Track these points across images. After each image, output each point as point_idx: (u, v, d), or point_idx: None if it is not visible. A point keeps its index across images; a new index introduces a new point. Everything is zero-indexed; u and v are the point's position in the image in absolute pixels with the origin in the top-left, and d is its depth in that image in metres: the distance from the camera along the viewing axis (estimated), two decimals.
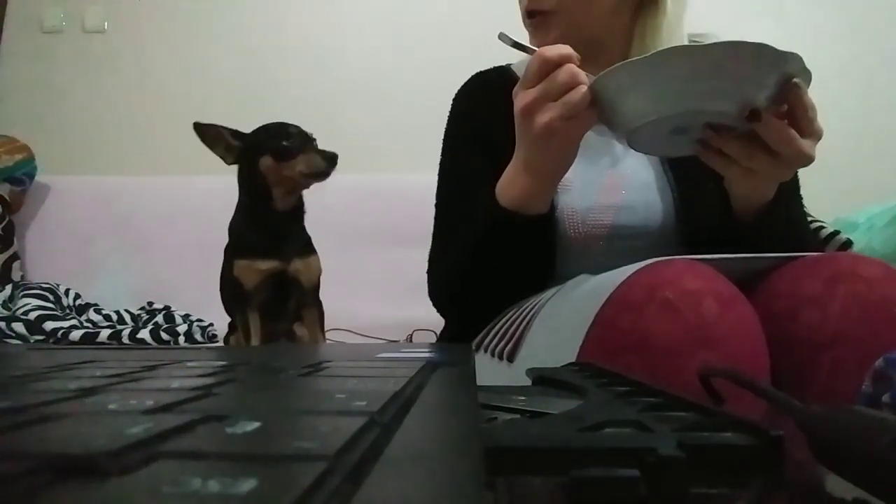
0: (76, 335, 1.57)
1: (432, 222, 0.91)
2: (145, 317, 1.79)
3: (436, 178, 0.91)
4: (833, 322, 0.55)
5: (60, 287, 1.82)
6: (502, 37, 0.67)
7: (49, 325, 1.59)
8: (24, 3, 2.38)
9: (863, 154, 2.23)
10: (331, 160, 1.08)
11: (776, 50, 0.55)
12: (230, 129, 1.12)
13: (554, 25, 0.78)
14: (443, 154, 0.92)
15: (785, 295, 0.59)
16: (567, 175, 0.68)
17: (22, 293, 1.73)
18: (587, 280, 0.65)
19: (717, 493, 0.17)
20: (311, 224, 1.18)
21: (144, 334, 1.62)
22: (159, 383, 0.22)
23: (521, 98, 0.63)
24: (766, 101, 0.57)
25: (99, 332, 1.60)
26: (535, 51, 0.63)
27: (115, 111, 2.34)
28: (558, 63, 0.61)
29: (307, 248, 1.16)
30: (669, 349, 0.51)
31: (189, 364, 0.30)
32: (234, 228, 1.16)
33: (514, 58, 0.85)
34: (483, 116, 0.87)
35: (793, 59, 0.56)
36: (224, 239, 1.17)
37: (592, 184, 0.66)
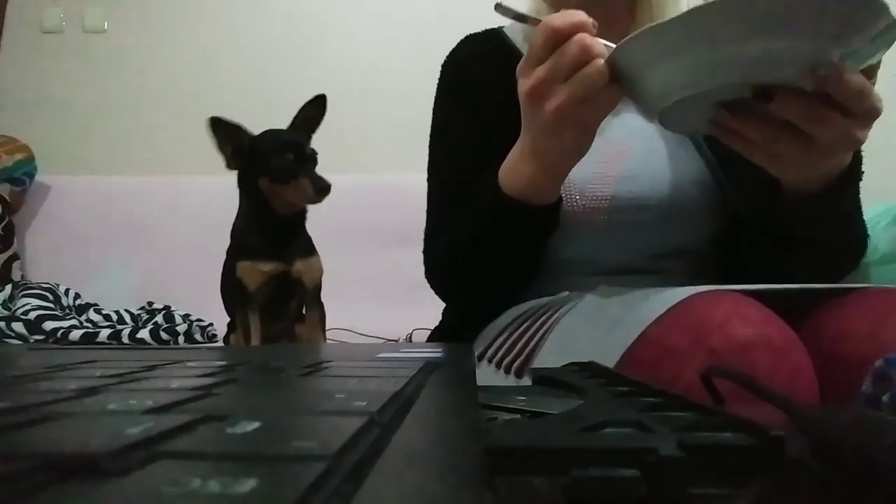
0: (76, 335, 1.57)
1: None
2: (145, 317, 1.79)
3: None
4: (884, 342, 0.49)
5: (60, 287, 1.82)
6: (500, 8, 0.55)
7: (49, 325, 1.59)
8: (24, 3, 2.38)
9: (864, 154, 2.23)
10: (322, 191, 1.08)
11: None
12: (251, 135, 1.12)
13: None
14: (434, 124, 0.85)
15: (832, 338, 0.53)
16: None
17: (22, 293, 1.73)
18: (607, 299, 0.59)
19: (717, 493, 0.17)
20: (311, 224, 1.19)
21: (144, 334, 1.62)
22: (159, 383, 0.22)
23: (527, 79, 0.53)
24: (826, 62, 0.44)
25: (99, 332, 1.60)
26: (540, 21, 0.52)
27: (115, 111, 2.35)
28: (568, 34, 0.50)
29: (309, 249, 1.17)
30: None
31: (189, 364, 0.30)
32: (236, 231, 1.17)
33: (507, 21, 0.78)
34: (475, 84, 0.80)
35: (882, 11, 0.42)
36: (224, 239, 1.18)
37: (591, 151, 0.56)
